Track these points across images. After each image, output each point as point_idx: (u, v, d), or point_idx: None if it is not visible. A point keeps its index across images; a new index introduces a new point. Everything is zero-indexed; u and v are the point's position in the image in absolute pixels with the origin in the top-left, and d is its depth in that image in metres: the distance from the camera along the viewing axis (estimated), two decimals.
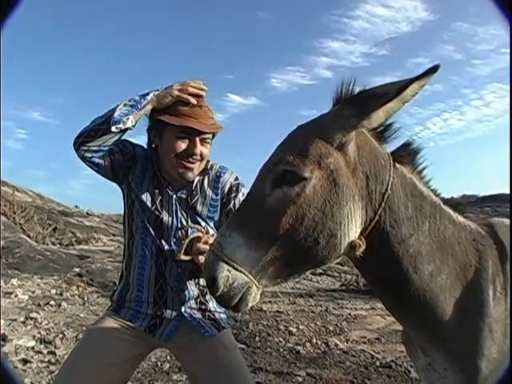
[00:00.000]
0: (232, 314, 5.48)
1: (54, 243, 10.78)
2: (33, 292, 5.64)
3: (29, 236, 9.68)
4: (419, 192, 1.19)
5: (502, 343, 1.15)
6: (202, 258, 1.59)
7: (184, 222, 1.81)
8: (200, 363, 1.77)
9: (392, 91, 1.04)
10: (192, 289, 1.81)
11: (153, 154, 1.85)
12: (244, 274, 1.05)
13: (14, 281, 5.95)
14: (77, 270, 7.51)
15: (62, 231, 12.37)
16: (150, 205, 1.80)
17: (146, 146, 1.88)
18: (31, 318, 4.39)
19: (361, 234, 1.11)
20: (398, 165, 1.18)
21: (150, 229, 1.79)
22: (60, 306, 5.14)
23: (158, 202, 1.81)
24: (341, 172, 1.08)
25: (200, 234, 1.66)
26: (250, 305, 1.10)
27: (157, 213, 1.79)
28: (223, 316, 1.93)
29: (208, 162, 1.89)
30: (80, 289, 6.23)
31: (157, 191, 1.82)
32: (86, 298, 5.76)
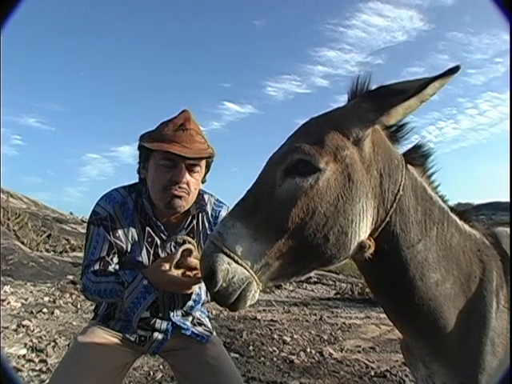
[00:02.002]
0: (226, 323, 5.46)
1: (47, 250, 10.66)
2: (25, 299, 5.58)
3: (22, 243, 9.59)
4: (429, 196, 1.16)
5: (503, 357, 1.11)
6: (190, 274, 1.53)
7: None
8: (192, 363, 1.78)
9: (412, 89, 1.01)
10: (182, 301, 1.80)
11: (141, 192, 1.74)
12: (245, 268, 0.98)
13: (7, 288, 5.90)
14: (70, 277, 7.45)
15: (57, 238, 12.25)
16: (144, 259, 1.73)
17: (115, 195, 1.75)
18: (23, 326, 4.34)
19: (370, 235, 1.08)
20: (409, 166, 1.16)
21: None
22: (53, 313, 5.09)
23: (152, 252, 1.73)
24: (356, 167, 1.05)
25: (191, 247, 1.55)
26: (248, 303, 1.03)
27: (152, 259, 1.73)
28: (208, 320, 1.96)
29: (200, 194, 1.78)
30: (73, 296, 6.17)
31: (149, 240, 1.73)
32: (79, 306, 5.70)
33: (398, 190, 1.09)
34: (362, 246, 1.05)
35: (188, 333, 1.81)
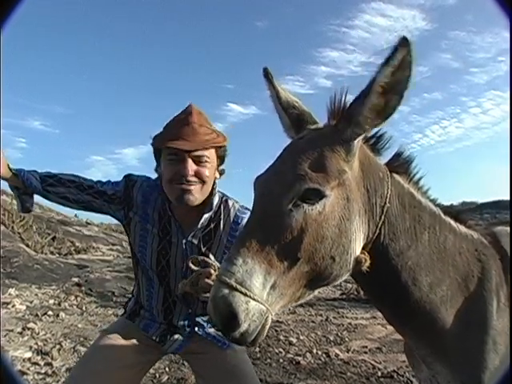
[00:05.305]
0: None
1: (52, 252, 10.70)
2: (30, 302, 5.59)
3: (27, 245, 9.63)
4: (418, 202, 1.17)
5: (505, 355, 1.12)
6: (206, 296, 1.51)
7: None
8: (212, 368, 1.78)
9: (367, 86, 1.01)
10: (199, 306, 1.80)
11: (160, 190, 1.75)
12: (261, 303, 0.97)
13: (12, 290, 5.90)
14: (75, 279, 7.46)
15: (61, 240, 12.30)
16: (156, 249, 1.75)
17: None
18: (28, 329, 4.34)
19: (363, 248, 1.09)
20: (395, 175, 1.17)
21: (155, 272, 1.76)
22: (58, 316, 5.09)
23: (165, 247, 1.74)
24: (351, 187, 1.07)
25: (211, 271, 1.53)
26: (264, 336, 1.03)
27: (163, 257, 1.74)
28: None
29: (224, 199, 1.80)
30: (78, 299, 6.18)
31: (165, 236, 1.75)
32: (84, 308, 5.70)
33: (385, 203, 1.11)
34: (358, 261, 1.07)
35: (209, 338, 1.81)
